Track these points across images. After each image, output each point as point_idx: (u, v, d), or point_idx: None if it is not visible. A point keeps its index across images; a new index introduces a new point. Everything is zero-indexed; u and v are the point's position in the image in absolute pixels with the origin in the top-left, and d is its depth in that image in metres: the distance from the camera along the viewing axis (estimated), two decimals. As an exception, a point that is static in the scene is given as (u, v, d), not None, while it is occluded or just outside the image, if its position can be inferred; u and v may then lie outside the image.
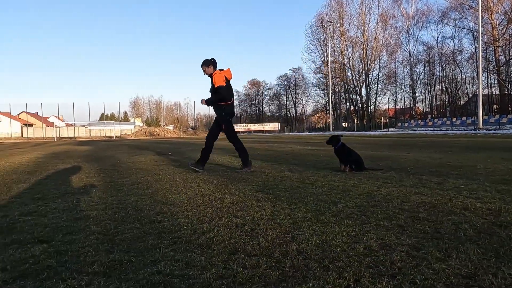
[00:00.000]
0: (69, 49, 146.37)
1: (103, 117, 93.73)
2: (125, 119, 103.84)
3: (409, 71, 68.42)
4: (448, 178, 4.69)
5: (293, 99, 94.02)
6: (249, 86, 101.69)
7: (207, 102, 6.11)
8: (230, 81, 6.12)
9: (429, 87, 68.25)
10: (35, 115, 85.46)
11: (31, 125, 76.48)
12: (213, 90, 5.98)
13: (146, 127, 78.48)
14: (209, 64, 6.02)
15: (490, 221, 2.60)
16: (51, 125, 77.70)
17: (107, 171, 6.59)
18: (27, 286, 1.73)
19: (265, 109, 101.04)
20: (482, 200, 3.29)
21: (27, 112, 79.20)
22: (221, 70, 6.06)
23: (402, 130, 50.80)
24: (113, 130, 66.12)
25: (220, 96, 5.91)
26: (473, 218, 2.70)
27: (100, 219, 2.98)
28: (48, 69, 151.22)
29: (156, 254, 2.10)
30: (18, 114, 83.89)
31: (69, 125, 77.96)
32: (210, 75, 6.03)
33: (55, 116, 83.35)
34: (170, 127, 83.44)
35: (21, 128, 72.24)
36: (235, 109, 6.92)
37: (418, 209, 3.02)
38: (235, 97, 8.00)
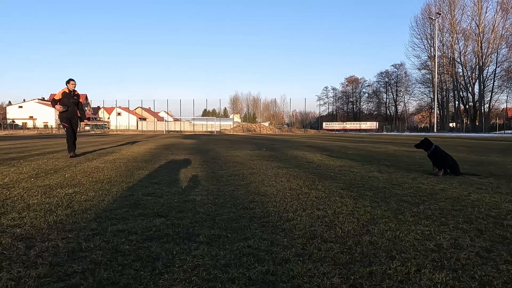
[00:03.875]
0: (178, 53, 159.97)
1: (205, 113, 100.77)
2: (225, 115, 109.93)
3: (535, 66, 59.71)
4: (556, 188, 4.33)
5: (394, 96, 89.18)
6: (346, 83, 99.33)
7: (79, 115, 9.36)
8: (73, 93, 9.09)
9: (561, 84, 58.80)
10: (148, 110, 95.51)
11: (144, 119, 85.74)
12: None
13: (243, 123, 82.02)
14: (66, 83, 9.12)
15: None
16: (161, 119, 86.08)
17: (208, 163, 7.38)
18: (152, 246, 2.29)
19: (363, 107, 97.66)
20: None
21: (142, 107, 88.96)
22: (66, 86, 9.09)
23: (522, 133, 44.73)
24: (213, 125, 70.51)
25: (52, 104, 9.04)
26: None
27: (203, 202, 3.57)
28: (160, 69, 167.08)
29: (247, 233, 2.55)
30: (135, 109, 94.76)
31: (176, 119, 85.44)
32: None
33: (165, 111, 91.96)
34: (266, 124, 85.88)
35: (137, 122, 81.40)
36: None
37: (506, 216, 2.98)
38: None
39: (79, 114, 9.33)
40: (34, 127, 76.10)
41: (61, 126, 9.42)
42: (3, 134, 44.31)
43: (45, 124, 71.56)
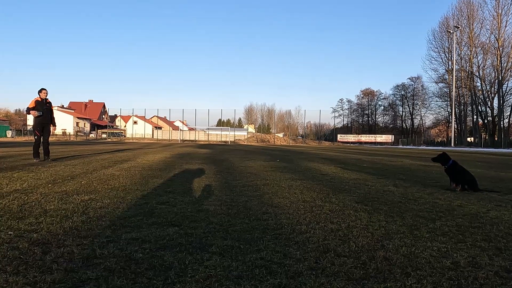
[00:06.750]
0: (194, 64, 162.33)
1: (220, 123, 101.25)
2: (239, 125, 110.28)
3: (556, 80, 58.30)
4: None
5: (410, 110, 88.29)
6: (362, 95, 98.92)
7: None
8: (45, 101, 9.72)
9: None
10: (164, 119, 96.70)
11: (160, 128, 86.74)
12: None
13: (258, 133, 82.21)
14: (38, 92, 9.69)
15: None
16: (176, 128, 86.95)
17: (222, 173, 7.40)
18: (166, 255, 2.30)
19: (378, 119, 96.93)
20: None
21: (158, 117, 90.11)
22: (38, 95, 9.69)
23: (544, 149, 43.50)
24: (228, 135, 70.85)
25: (26, 112, 9.77)
26: None
27: (217, 212, 3.57)
28: (177, 80, 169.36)
29: (260, 244, 2.54)
30: (151, 118, 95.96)
31: (191, 129, 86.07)
32: None
33: (180, 121, 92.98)
34: (281, 135, 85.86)
35: (152, 130, 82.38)
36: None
37: (526, 235, 2.89)
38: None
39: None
40: (53, 134, 77.68)
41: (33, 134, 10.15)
42: (23, 140, 45.38)
43: (63, 131, 73.01)
